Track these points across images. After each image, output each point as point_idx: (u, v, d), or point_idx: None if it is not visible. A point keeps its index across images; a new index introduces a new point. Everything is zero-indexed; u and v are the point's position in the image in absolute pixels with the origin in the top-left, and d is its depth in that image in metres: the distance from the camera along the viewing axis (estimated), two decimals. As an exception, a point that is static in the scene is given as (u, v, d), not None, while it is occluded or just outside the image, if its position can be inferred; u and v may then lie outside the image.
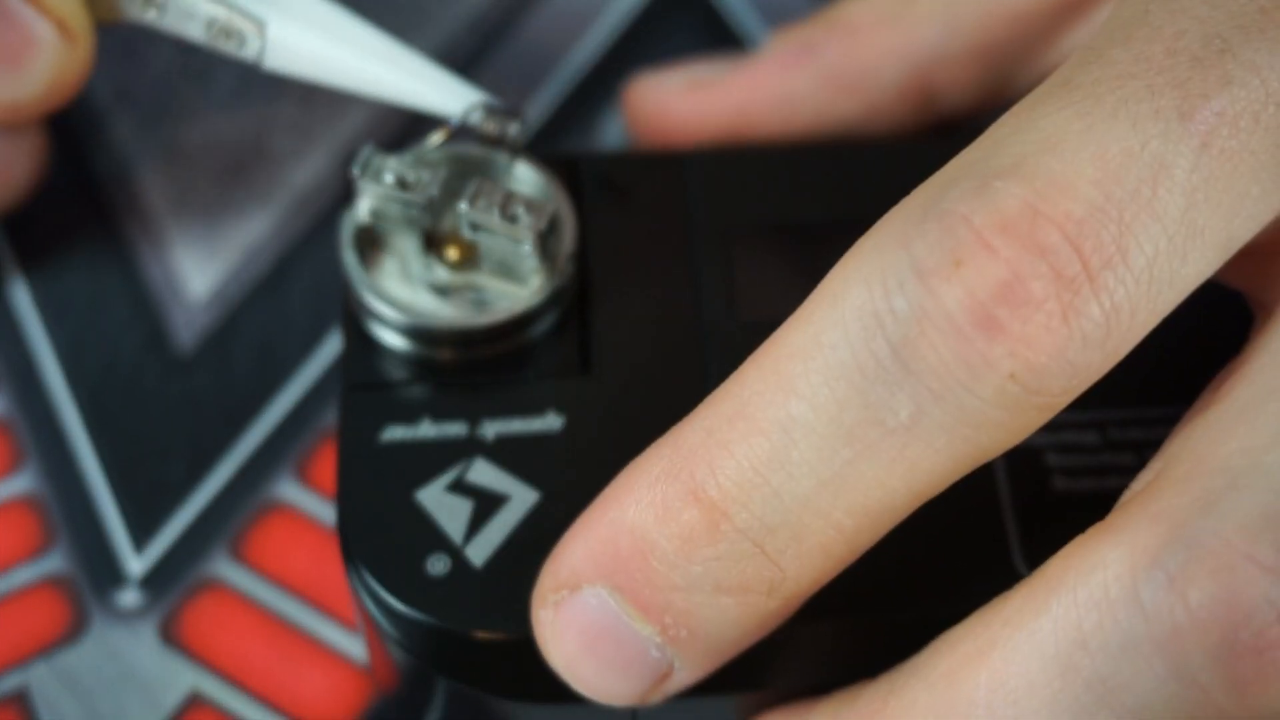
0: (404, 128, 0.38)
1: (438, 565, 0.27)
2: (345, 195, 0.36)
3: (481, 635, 0.26)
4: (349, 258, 0.29)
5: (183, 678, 0.31)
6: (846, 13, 0.33)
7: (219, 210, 0.36)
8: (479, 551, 0.27)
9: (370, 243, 0.29)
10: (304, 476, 0.34)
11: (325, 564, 0.33)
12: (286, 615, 0.32)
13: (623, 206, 0.30)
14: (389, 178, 0.29)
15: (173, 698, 0.31)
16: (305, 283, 0.36)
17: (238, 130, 0.37)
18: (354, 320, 0.29)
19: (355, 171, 0.29)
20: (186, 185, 0.37)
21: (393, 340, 0.29)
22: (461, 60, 0.38)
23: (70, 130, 0.37)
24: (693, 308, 0.29)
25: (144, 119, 0.38)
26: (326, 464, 0.34)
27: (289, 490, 0.33)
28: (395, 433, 0.28)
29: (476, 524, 0.27)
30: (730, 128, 0.33)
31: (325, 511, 0.33)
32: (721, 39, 0.39)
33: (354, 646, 0.32)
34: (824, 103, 0.33)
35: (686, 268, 0.30)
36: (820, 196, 0.30)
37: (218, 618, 0.32)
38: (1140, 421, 0.28)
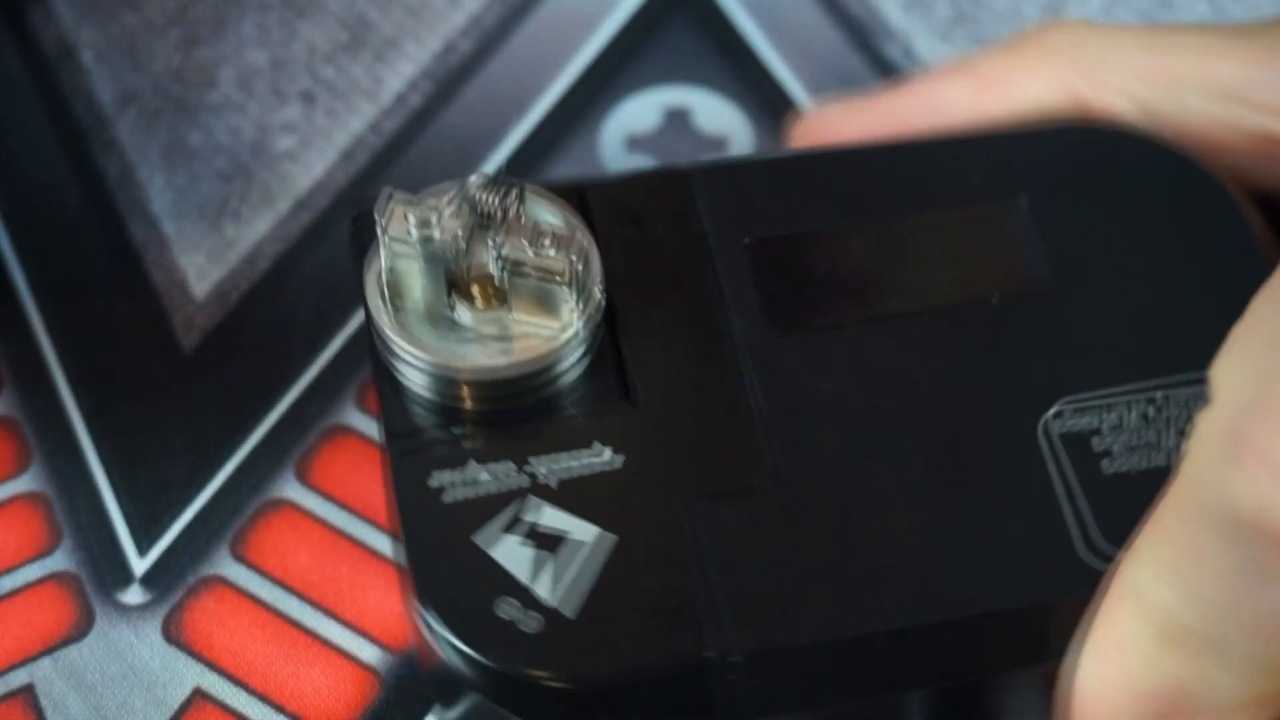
0: (404, 128, 0.38)
1: (508, 609, 0.26)
2: (345, 196, 0.37)
3: (556, 685, 0.26)
4: (375, 306, 0.28)
5: (186, 675, 0.32)
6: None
7: (219, 210, 0.37)
8: (552, 593, 0.26)
9: (395, 289, 0.28)
10: (305, 475, 0.34)
11: (326, 562, 0.33)
12: (288, 613, 0.32)
13: (636, 229, 0.30)
14: (411, 220, 0.27)
15: (177, 694, 0.31)
16: (305, 283, 0.36)
17: (238, 130, 0.37)
18: (385, 369, 0.28)
19: (377, 217, 0.27)
20: (186, 185, 0.37)
21: (426, 387, 0.28)
22: (461, 61, 0.39)
23: (72, 130, 0.37)
24: (723, 323, 0.29)
25: (145, 119, 0.38)
26: (327, 463, 0.34)
27: (290, 489, 0.34)
28: (444, 478, 0.27)
29: (541, 565, 0.27)
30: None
31: (326, 510, 0.33)
32: (722, 39, 0.39)
33: (356, 644, 0.32)
34: (976, 109, 0.32)
35: (709, 284, 0.29)
36: (827, 201, 0.30)
37: (220, 615, 0.32)
38: (1188, 394, 0.28)
